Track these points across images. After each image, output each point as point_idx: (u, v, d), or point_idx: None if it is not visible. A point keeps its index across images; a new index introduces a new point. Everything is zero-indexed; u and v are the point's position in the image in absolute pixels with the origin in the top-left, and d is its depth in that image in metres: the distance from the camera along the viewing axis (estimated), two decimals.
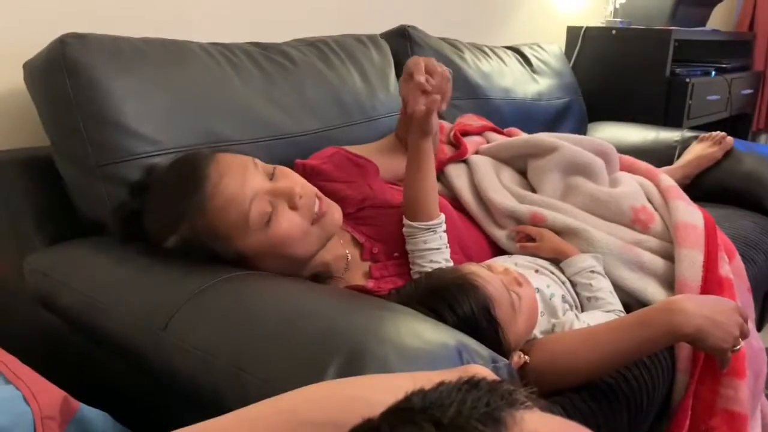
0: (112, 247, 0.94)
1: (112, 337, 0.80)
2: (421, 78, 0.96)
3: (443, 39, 1.82)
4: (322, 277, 1.01)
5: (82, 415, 0.72)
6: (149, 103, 1.06)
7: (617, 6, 2.43)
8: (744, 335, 0.91)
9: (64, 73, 0.99)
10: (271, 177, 0.93)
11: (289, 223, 0.91)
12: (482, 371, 0.50)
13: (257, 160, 0.94)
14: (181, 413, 0.74)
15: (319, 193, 0.98)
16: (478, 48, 1.94)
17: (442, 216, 1.06)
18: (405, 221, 1.04)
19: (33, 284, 0.96)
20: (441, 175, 1.37)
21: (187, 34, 1.24)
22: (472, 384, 0.37)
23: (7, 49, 1.15)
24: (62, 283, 0.91)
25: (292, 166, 1.07)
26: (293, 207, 0.92)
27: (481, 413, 0.34)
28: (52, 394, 0.71)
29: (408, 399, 0.37)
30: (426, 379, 0.39)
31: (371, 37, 1.59)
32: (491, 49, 1.99)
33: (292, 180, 0.95)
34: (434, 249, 1.03)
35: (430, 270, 1.00)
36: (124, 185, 1.00)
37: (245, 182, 0.89)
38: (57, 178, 1.06)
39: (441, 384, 0.37)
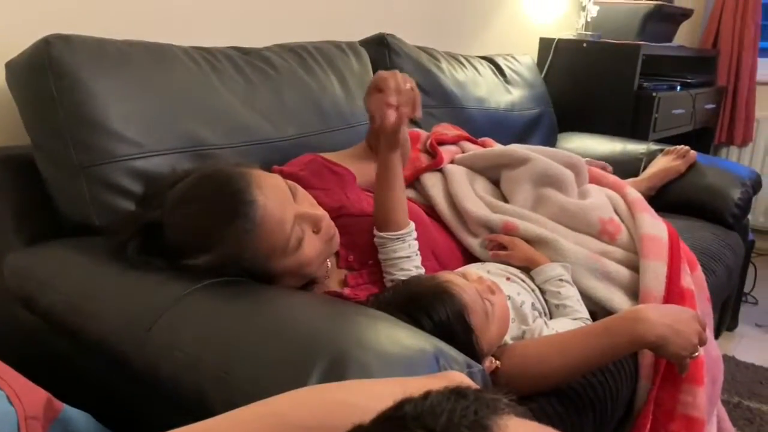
0: (94, 248, 0.94)
1: (95, 339, 0.81)
2: (392, 99, 0.98)
3: (420, 48, 1.85)
4: (303, 285, 1.03)
5: (65, 415, 0.73)
6: (133, 105, 1.06)
7: (588, 20, 2.49)
8: (702, 342, 0.97)
9: (48, 73, 0.99)
10: (294, 196, 0.96)
11: (313, 246, 0.95)
12: (463, 378, 0.53)
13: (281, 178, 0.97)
14: (164, 416, 0.76)
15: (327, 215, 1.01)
16: (454, 57, 1.98)
17: (412, 225, 1.08)
18: (375, 231, 1.07)
19: (13, 284, 0.96)
20: (416, 184, 1.40)
21: (169, 37, 1.24)
22: (460, 393, 0.39)
23: None
24: (44, 284, 0.91)
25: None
26: (317, 231, 0.97)
27: (471, 421, 0.36)
28: (35, 395, 0.71)
29: (400, 407, 0.40)
30: (414, 386, 0.42)
31: (351, 45, 1.61)
32: (466, 59, 2.03)
33: (311, 202, 0.99)
34: (404, 257, 1.05)
35: (402, 278, 1.03)
36: (108, 187, 1.01)
37: (285, 207, 0.92)
38: (37, 178, 1.05)
39: (429, 393, 0.40)
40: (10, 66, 1.05)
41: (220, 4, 1.52)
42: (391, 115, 0.98)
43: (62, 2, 1.24)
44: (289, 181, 0.99)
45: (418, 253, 1.08)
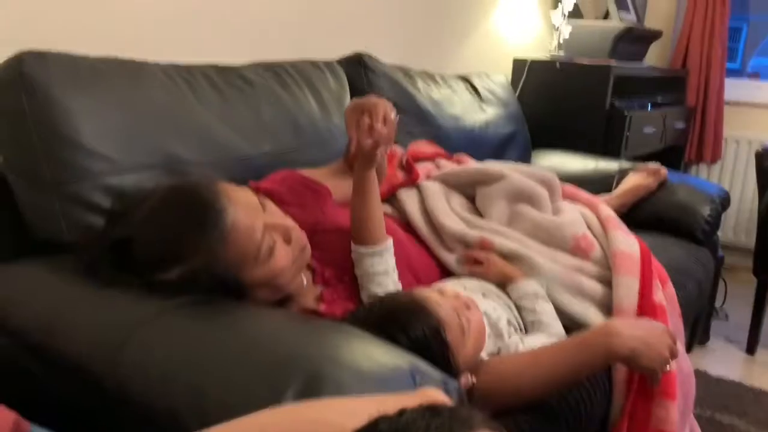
0: (65, 266, 0.93)
1: (65, 358, 0.80)
2: (377, 126, 1.00)
3: (397, 66, 1.87)
4: (279, 302, 1.02)
5: None
6: (107, 122, 1.06)
7: (561, 41, 2.54)
8: (674, 355, 0.98)
9: (20, 89, 0.98)
10: (264, 208, 0.96)
11: (285, 256, 0.95)
12: (438, 395, 0.53)
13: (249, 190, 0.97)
14: None
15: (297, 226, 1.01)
16: (430, 76, 2.00)
17: (389, 240, 1.09)
18: (353, 246, 1.07)
19: None
20: (393, 199, 1.40)
21: (145, 55, 1.24)
22: (434, 410, 0.39)
23: None
24: (13, 303, 0.89)
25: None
26: (287, 241, 0.97)
27: None
28: (2, 416, 0.70)
29: (374, 425, 0.40)
30: (389, 404, 0.42)
31: (328, 64, 1.62)
32: (442, 78, 2.05)
33: (280, 214, 1.00)
34: (381, 272, 1.06)
35: (379, 293, 1.03)
36: (80, 204, 0.99)
37: (254, 216, 0.92)
38: (7, 195, 1.04)
39: (404, 411, 0.40)
40: None
41: (196, 22, 1.52)
42: (369, 142, 1.00)
43: (37, 19, 1.23)
44: (259, 195, 1.00)
45: (395, 268, 1.08)
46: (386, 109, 1.02)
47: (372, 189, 1.08)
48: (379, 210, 1.09)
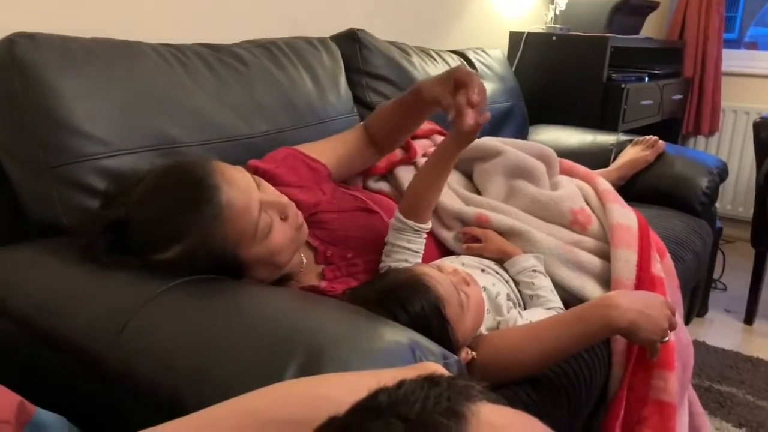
0: (63, 248, 0.93)
1: (66, 341, 0.80)
2: (475, 98, 0.99)
3: (391, 42, 1.86)
4: (279, 280, 1.03)
5: (38, 419, 0.72)
6: (100, 103, 1.05)
7: (557, 13, 2.51)
8: (672, 327, 0.99)
9: (12, 72, 0.97)
10: (258, 186, 0.96)
11: (282, 233, 0.96)
12: (437, 368, 0.54)
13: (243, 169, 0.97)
14: (139, 416, 0.75)
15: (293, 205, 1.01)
16: (425, 52, 1.98)
17: (430, 224, 1.09)
18: (399, 216, 1.07)
19: None
20: (390, 177, 1.40)
21: (137, 35, 1.23)
22: (433, 381, 0.40)
23: None
24: (12, 286, 0.89)
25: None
26: (284, 218, 0.97)
27: (444, 408, 0.37)
28: (7, 398, 0.70)
29: (374, 397, 0.40)
30: (388, 377, 0.42)
31: (322, 40, 1.61)
32: (437, 53, 2.03)
33: (275, 192, 0.99)
34: (413, 251, 1.06)
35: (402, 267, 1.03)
36: (76, 187, 0.99)
37: (250, 193, 0.92)
38: (2, 179, 1.03)
39: (403, 382, 0.40)
40: None
41: (188, 1, 1.50)
42: (471, 117, 0.99)
43: (28, 2, 1.21)
44: (254, 174, 1.00)
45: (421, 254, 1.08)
46: (479, 81, 1.01)
47: (449, 168, 1.09)
48: (440, 191, 1.11)
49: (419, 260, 1.07)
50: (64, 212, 1.00)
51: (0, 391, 0.71)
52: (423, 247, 1.08)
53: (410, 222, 1.06)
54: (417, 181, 1.09)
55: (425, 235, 1.08)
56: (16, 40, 0.99)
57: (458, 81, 1.01)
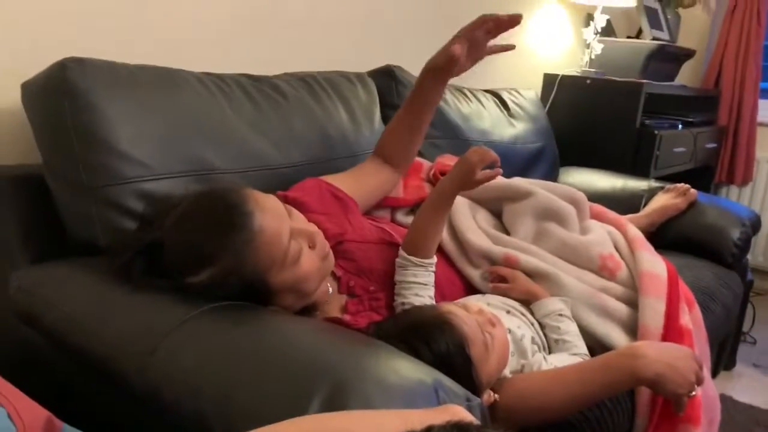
0: (100, 267, 0.95)
1: (97, 359, 0.82)
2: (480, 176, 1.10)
3: None
4: (305, 310, 1.04)
5: None
6: (143, 128, 1.08)
7: (592, 57, 2.52)
8: (700, 381, 0.97)
9: (62, 95, 1.01)
10: (290, 214, 0.99)
11: (310, 261, 0.97)
12: (461, 412, 0.54)
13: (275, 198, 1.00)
14: None
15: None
16: (459, 90, 2.01)
17: (435, 258, 1.10)
18: (401, 253, 1.09)
19: (17, 301, 0.96)
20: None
21: (181, 64, 1.26)
22: (462, 428, 0.40)
23: (4, 69, 1.17)
24: (48, 302, 0.92)
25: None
26: (312, 246, 0.98)
27: None
28: (36, 413, 0.72)
29: None
30: (415, 420, 0.43)
31: (359, 75, 1.64)
32: (471, 92, 2.05)
33: (304, 220, 1.02)
34: (421, 284, 1.07)
35: (415, 302, 1.04)
36: (115, 208, 1.02)
37: (281, 220, 0.94)
38: (46, 196, 1.07)
39: (432, 427, 0.40)
40: (26, 87, 1.07)
41: (232, 33, 1.55)
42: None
43: (78, 27, 1.26)
44: (284, 204, 1.01)
45: (434, 285, 1.09)
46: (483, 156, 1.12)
47: (448, 206, 1.13)
48: (442, 227, 1.14)
49: (431, 293, 1.08)
50: (103, 232, 1.02)
51: (29, 404, 0.73)
52: (432, 280, 1.09)
53: (413, 258, 1.07)
54: (418, 219, 1.11)
55: (432, 269, 1.09)
56: (67, 64, 1.03)
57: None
